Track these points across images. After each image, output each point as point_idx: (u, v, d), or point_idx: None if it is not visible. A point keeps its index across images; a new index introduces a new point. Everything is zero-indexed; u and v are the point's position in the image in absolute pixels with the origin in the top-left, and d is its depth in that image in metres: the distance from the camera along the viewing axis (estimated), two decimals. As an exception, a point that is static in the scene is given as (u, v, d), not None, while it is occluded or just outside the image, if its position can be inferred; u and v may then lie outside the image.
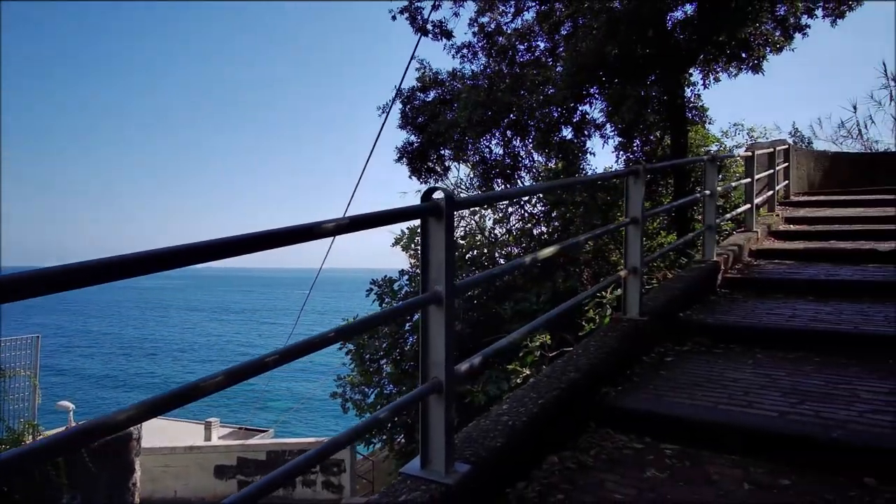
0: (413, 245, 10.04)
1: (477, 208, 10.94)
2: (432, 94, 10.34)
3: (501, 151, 9.41)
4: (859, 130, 15.60)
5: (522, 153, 9.58)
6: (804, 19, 9.44)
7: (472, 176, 10.08)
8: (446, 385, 2.06)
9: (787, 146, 11.03)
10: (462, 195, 11.10)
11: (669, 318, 4.27)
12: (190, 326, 75.78)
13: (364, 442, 10.60)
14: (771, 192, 9.01)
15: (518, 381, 6.96)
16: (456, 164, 10.46)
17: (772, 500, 2.19)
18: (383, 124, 7.93)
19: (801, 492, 2.24)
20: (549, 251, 3.00)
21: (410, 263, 9.87)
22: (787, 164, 10.81)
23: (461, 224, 10.86)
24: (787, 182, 10.74)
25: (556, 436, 2.72)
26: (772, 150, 9.17)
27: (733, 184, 7.91)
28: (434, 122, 9.31)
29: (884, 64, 14.03)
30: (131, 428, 7.63)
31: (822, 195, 11.19)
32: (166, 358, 55.40)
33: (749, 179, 7.25)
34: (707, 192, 5.68)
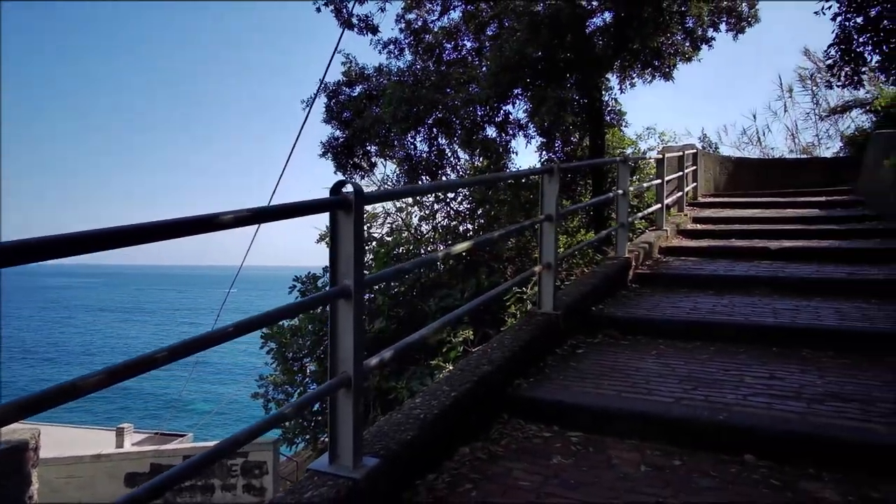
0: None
1: (404, 205, 10.95)
2: (358, 89, 10.23)
3: (427, 148, 9.47)
4: (758, 138, 16.88)
5: (448, 151, 9.69)
6: (710, 32, 10.10)
7: (398, 172, 10.07)
8: (354, 380, 2.06)
9: (695, 150, 11.76)
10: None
11: (582, 311, 4.45)
12: (98, 328, 70.99)
13: (287, 442, 10.35)
14: (680, 194, 9.59)
15: (441, 376, 7.03)
16: (382, 160, 10.41)
17: (664, 479, 2.34)
18: (306, 118, 7.77)
19: (690, 470, 2.41)
20: (462, 246, 3.05)
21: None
22: (695, 167, 11.53)
23: (387, 221, 10.83)
24: (695, 184, 11.45)
25: (468, 427, 2.77)
26: (681, 153, 9.76)
27: (646, 185, 8.34)
28: (359, 118, 9.20)
29: (780, 77, 15.21)
30: (28, 438, 7.07)
31: (726, 197, 12.02)
32: (70, 363, 51.55)
33: (660, 181, 7.67)
34: (620, 191, 5.96)
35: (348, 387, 2.06)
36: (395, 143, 9.10)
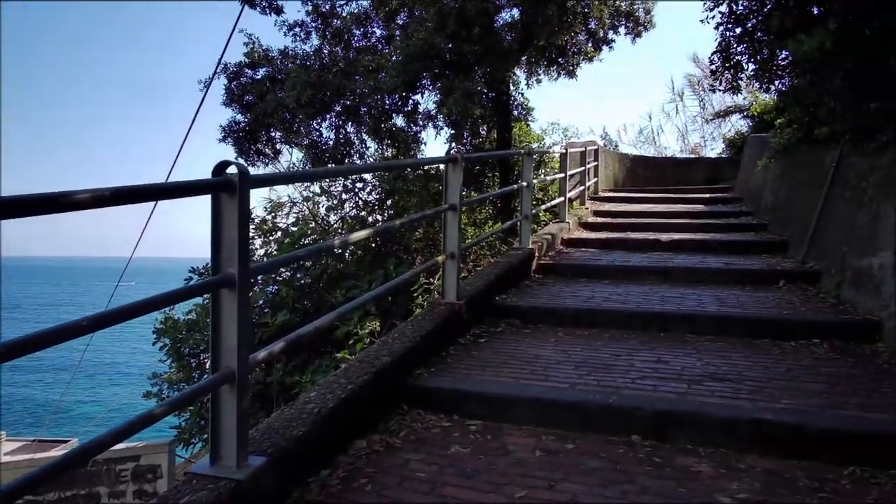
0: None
1: (311, 195, 10.62)
2: (262, 72, 9.73)
3: (334, 136, 9.20)
4: (653, 137, 18.00)
5: (356, 139, 9.47)
6: (610, 34, 10.60)
7: (304, 160, 9.68)
8: (239, 374, 1.93)
9: (597, 147, 12.33)
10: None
11: (486, 301, 4.50)
12: (-35, 327, 63.41)
13: (183, 443, 9.76)
14: (583, 188, 10.01)
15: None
16: (288, 147, 10.00)
17: (556, 462, 2.40)
18: (203, 99, 7.28)
19: (582, 452, 2.49)
20: (360, 235, 2.96)
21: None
22: (597, 163, 12.08)
23: (293, 210, 10.45)
24: (596, 179, 12.01)
25: (366, 420, 2.71)
26: (584, 149, 10.18)
27: (550, 178, 8.61)
28: (262, 102, 8.76)
29: (672, 81, 16.24)
30: None
31: (624, 192, 12.72)
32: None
33: (563, 175, 7.94)
34: (524, 184, 6.09)
35: (232, 382, 1.93)
36: (301, 129, 8.76)
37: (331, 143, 9.09)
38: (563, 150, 8.14)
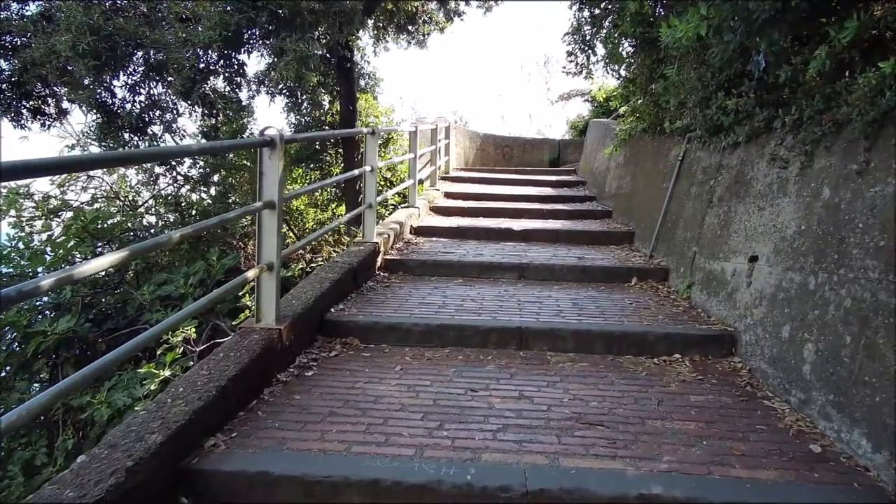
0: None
1: (116, 168, 8.73)
2: (33, 7, 7.49)
3: (133, 97, 7.44)
4: (502, 116, 18.08)
5: (167, 102, 7.78)
6: (462, 5, 10.03)
7: (92, 124, 7.73)
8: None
9: (448, 124, 11.84)
10: (77, 150, 8.62)
11: (317, 317, 3.67)
12: None
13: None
14: (433, 168, 9.43)
15: (153, 387, 5.64)
16: (80, 106, 7.96)
17: None
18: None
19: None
20: (106, 262, 1.92)
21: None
22: (448, 140, 11.60)
23: (91, 185, 8.53)
24: (447, 158, 11.54)
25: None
26: (435, 126, 9.58)
27: (398, 159, 7.87)
28: (31, 46, 6.74)
29: (523, 61, 16.29)
30: None
31: (476, 171, 12.44)
32: None
33: (413, 155, 7.24)
34: (368, 168, 5.27)
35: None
36: (88, 85, 6.94)
37: (129, 105, 7.33)
38: (413, 128, 7.43)
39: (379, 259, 5.15)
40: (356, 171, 5.13)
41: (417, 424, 2.54)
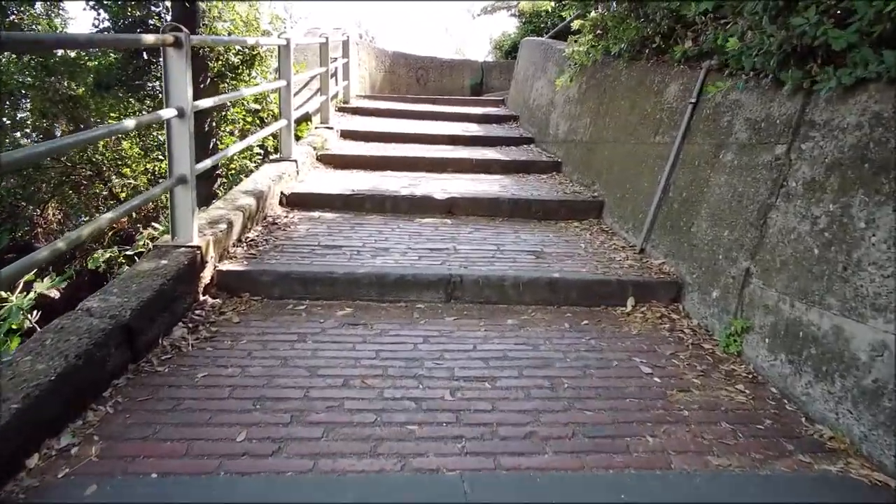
0: None
1: None
2: None
3: None
4: (414, 32, 15.35)
5: None
6: None
7: None
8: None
9: (346, 37, 9.22)
10: None
11: None
12: None
13: None
14: (324, 98, 6.98)
15: None
16: None
17: None
18: None
19: None
20: None
21: None
22: (347, 59, 9.04)
23: None
24: (347, 82, 9.02)
25: None
26: (325, 40, 7.04)
27: (267, 85, 5.39)
28: None
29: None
30: None
31: (384, 101, 10.00)
32: None
33: (284, 82, 4.81)
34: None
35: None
36: None
37: None
38: (285, 42, 4.92)
39: (205, 274, 2.93)
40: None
41: None
